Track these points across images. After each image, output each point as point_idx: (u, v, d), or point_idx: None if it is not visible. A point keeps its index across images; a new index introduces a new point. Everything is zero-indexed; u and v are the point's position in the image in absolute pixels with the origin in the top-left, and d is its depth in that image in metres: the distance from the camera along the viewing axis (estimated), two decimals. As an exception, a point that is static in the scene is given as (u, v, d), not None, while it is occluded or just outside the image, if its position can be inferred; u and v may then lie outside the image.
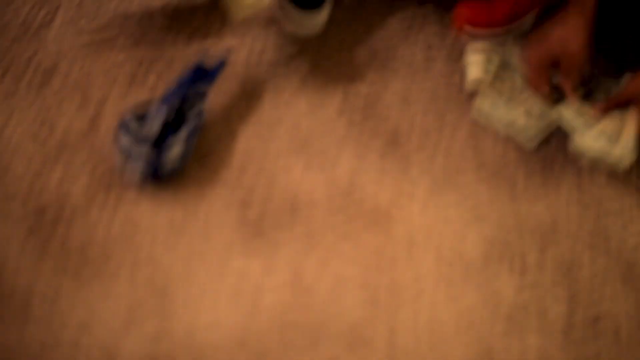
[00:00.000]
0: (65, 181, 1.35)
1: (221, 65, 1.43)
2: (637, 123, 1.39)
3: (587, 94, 1.44)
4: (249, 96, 1.46)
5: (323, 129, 1.43)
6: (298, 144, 1.41)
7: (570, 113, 1.41)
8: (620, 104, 1.39)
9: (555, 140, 1.46)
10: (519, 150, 1.44)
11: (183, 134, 1.34)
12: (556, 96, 1.43)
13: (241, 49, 1.53)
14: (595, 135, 1.38)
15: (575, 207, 1.38)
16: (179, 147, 1.34)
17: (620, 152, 1.36)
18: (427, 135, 1.44)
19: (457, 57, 1.55)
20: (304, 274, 1.28)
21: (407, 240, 1.32)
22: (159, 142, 1.33)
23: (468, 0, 1.58)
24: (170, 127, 1.35)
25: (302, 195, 1.35)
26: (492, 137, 1.45)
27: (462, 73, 1.52)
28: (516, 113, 1.43)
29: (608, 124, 1.40)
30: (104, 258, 1.27)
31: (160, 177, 1.35)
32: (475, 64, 1.51)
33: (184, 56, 1.51)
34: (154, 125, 1.33)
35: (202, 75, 1.42)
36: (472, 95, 1.50)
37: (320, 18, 1.56)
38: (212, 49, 1.52)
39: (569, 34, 1.35)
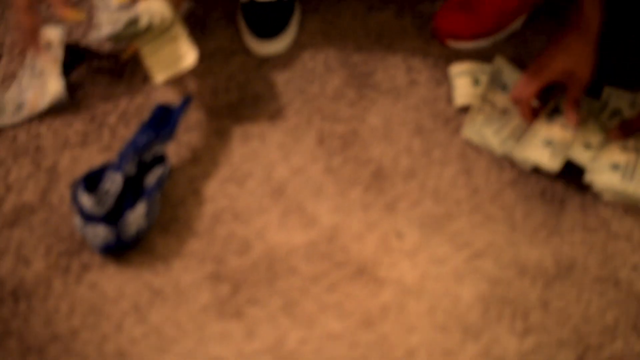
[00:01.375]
0: (22, 257, 1.26)
1: (186, 103, 1.32)
2: None
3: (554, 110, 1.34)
4: (213, 147, 1.35)
5: (298, 178, 1.32)
6: (271, 198, 1.30)
7: (576, 146, 1.30)
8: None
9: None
10: (516, 183, 1.33)
11: (141, 208, 1.23)
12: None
13: (203, 90, 1.40)
14: (609, 169, 1.26)
15: (579, 247, 1.26)
16: (139, 219, 1.23)
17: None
18: (413, 175, 1.32)
19: (441, 78, 1.42)
20: (286, 339, 1.19)
21: (396, 300, 1.23)
22: (116, 215, 1.23)
23: (448, 11, 1.44)
24: (128, 192, 1.25)
25: (279, 261, 1.25)
26: (484, 168, 1.33)
27: (447, 97, 1.40)
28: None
29: (619, 153, 1.27)
30: (70, 333, 1.19)
31: (122, 249, 1.25)
32: (462, 86, 1.38)
33: (140, 106, 1.38)
34: (107, 200, 1.22)
35: (164, 118, 1.30)
36: (461, 119, 1.40)
37: (282, 44, 1.45)
38: (169, 93, 1.41)
39: (574, 63, 1.28)
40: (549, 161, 1.29)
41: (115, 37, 1.28)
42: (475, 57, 1.45)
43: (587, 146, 1.30)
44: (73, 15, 1.27)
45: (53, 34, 1.41)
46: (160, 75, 1.30)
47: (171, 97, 1.39)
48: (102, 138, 1.36)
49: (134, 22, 1.26)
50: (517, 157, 1.31)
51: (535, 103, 1.32)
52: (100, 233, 1.22)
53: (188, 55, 1.29)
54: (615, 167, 1.27)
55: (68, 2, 1.26)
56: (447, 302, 1.23)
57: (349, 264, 1.25)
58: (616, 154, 1.28)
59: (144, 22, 1.27)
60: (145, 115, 1.37)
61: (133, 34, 1.27)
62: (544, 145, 1.30)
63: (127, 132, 1.36)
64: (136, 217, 1.23)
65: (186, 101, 1.32)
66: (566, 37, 1.29)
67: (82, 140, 1.36)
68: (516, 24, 1.47)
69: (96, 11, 1.30)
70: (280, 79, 1.43)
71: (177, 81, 1.41)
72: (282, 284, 1.23)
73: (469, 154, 1.35)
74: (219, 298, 1.22)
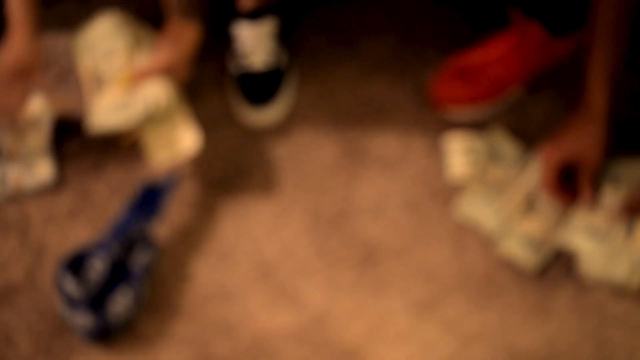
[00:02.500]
0: (7, 338, 1.26)
1: (173, 183, 1.32)
2: None
3: None
4: (203, 224, 1.34)
5: (288, 258, 1.32)
6: (260, 279, 1.30)
7: (581, 234, 1.29)
8: None
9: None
10: (509, 263, 1.32)
11: (128, 296, 1.23)
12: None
13: (194, 163, 1.40)
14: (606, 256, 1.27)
15: (574, 332, 1.25)
16: (126, 307, 1.23)
17: (629, 268, 1.26)
18: (406, 254, 1.32)
19: (436, 151, 1.41)
20: None
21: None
22: (102, 301, 1.23)
23: (445, 78, 1.42)
24: (114, 277, 1.25)
25: (266, 347, 1.25)
26: (477, 247, 1.32)
27: (442, 171, 1.39)
28: (515, 236, 1.31)
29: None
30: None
31: (108, 336, 1.25)
32: (457, 162, 1.37)
33: (131, 180, 1.38)
34: (92, 285, 1.23)
35: (151, 198, 1.29)
36: (456, 194, 1.38)
37: (275, 113, 1.43)
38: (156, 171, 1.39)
39: (585, 145, 1.29)
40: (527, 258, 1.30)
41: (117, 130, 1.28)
42: (472, 127, 1.44)
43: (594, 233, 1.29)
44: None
45: (41, 107, 1.40)
46: (160, 160, 1.30)
47: (163, 172, 1.38)
48: (92, 214, 1.37)
49: (137, 115, 1.25)
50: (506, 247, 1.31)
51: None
52: (83, 321, 1.22)
53: (190, 140, 1.29)
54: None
55: None
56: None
57: (338, 351, 1.24)
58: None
59: (147, 111, 1.26)
60: (134, 189, 1.36)
61: (136, 124, 1.27)
62: (524, 242, 1.30)
63: (114, 208, 1.36)
64: (121, 305, 1.23)
65: (174, 181, 1.31)
66: (574, 119, 1.29)
67: (70, 216, 1.36)
68: (516, 95, 1.45)
69: (90, 97, 1.30)
70: (273, 152, 1.42)
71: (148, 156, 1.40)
72: (270, 371, 1.23)
73: (461, 232, 1.34)
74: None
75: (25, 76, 1.28)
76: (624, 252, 1.26)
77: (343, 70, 1.51)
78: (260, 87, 1.42)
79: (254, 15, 1.41)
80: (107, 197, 1.38)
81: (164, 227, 1.34)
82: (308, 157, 1.41)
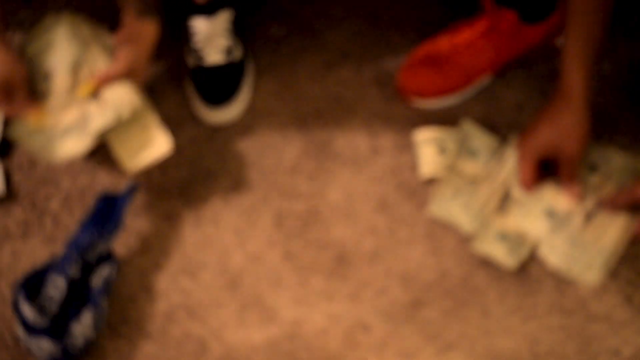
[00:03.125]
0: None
1: (131, 190, 1.25)
2: (621, 233, 1.23)
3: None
4: (164, 233, 1.29)
5: (255, 267, 1.27)
6: (228, 291, 1.25)
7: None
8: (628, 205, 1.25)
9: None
10: (487, 262, 1.28)
11: (88, 318, 1.17)
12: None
13: (150, 167, 1.33)
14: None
15: (557, 332, 1.22)
16: (86, 329, 1.18)
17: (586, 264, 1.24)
18: (378, 258, 1.27)
19: (405, 143, 1.36)
20: None
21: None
22: (61, 323, 1.18)
23: (412, 67, 1.37)
24: (73, 297, 1.20)
25: (238, 364, 1.19)
26: (453, 247, 1.28)
27: (412, 166, 1.34)
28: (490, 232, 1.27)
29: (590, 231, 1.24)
30: None
31: (71, 359, 1.19)
32: (427, 156, 1.32)
33: (84, 188, 1.32)
34: (51, 308, 1.18)
35: (109, 209, 1.23)
36: (428, 192, 1.34)
37: (234, 111, 1.39)
38: (114, 172, 1.34)
39: (563, 135, 1.22)
40: (504, 257, 1.26)
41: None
42: (442, 117, 1.39)
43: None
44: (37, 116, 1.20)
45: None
46: (132, 165, 1.25)
47: (117, 177, 1.33)
48: (45, 227, 1.30)
49: (107, 124, 1.21)
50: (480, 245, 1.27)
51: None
52: (44, 346, 1.17)
53: (161, 142, 1.24)
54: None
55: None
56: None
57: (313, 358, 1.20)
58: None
59: (117, 118, 1.22)
60: (91, 199, 1.29)
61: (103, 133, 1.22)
62: (500, 239, 1.25)
63: (71, 220, 1.30)
64: (83, 327, 1.18)
65: (132, 189, 1.25)
66: (550, 108, 1.23)
67: (22, 231, 1.30)
68: (485, 80, 1.40)
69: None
70: (234, 151, 1.36)
71: (119, 160, 1.33)
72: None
73: (436, 231, 1.30)
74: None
75: (11, 95, 1.20)
76: (579, 245, 1.22)
77: (305, 60, 1.45)
78: (217, 85, 1.36)
79: (208, 8, 1.34)
80: (62, 208, 1.31)
81: (123, 239, 1.28)
82: (273, 156, 1.36)
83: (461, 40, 1.37)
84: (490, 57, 1.37)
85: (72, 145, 1.22)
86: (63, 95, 1.23)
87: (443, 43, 1.38)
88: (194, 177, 1.34)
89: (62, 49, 1.24)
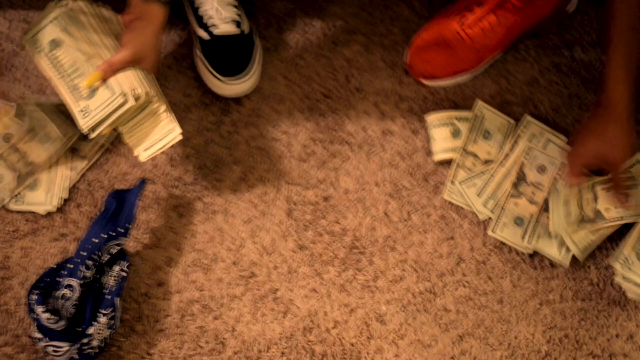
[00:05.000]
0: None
1: (140, 186, 1.28)
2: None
3: None
4: (174, 227, 1.31)
5: (268, 259, 1.30)
6: (241, 285, 1.28)
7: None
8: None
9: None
10: (502, 248, 1.32)
11: (103, 319, 1.21)
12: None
13: (157, 157, 1.37)
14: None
15: (572, 318, 1.26)
16: (102, 330, 1.22)
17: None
18: (392, 246, 1.30)
19: (417, 125, 1.39)
20: None
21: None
22: (77, 323, 1.23)
23: (422, 48, 1.38)
24: (88, 297, 1.24)
25: (255, 355, 1.25)
26: (468, 233, 1.31)
27: (425, 148, 1.36)
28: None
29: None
30: None
31: (88, 357, 1.23)
32: (440, 139, 1.34)
33: (92, 182, 1.34)
34: (66, 310, 1.22)
35: (119, 206, 1.26)
36: (441, 176, 1.37)
37: (249, 83, 1.39)
38: (122, 164, 1.37)
39: (605, 146, 1.24)
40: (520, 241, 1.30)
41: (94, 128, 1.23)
42: (454, 96, 1.40)
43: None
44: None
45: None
46: (145, 152, 1.26)
47: (125, 168, 1.36)
48: (54, 223, 1.32)
49: (116, 109, 1.21)
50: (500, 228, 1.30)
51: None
52: (62, 350, 1.20)
53: (172, 129, 1.25)
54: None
55: None
56: (435, 394, 1.23)
57: (330, 357, 1.25)
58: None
59: (124, 105, 1.21)
60: (99, 194, 1.32)
61: (112, 121, 1.23)
62: (515, 223, 1.29)
63: (80, 216, 1.31)
64: (98, 327, 1.21)
65: (141, 185, 1.28)
66: (595, 119, 1.25)
67: (32, 229, 1.32)
68: (497, 55, 1.41)
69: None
70: (242, 137, 1.38)
71: (127, 148, 1.36)
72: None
73: (450, 216, 1.33)
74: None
75: None
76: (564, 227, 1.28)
77: (311, 39, 1.45)
78: (230, 55, 1.37)
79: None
80: (71, 202, 1.33)
81: (135, 234, 1.31)
82: (282, 143, 1.38)
83: (471, 20, 1.37)
84: (500, 34, 1.37)
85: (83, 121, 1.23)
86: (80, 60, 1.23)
87: (452, 23, 1.38)
88: (203, 167, 1.35)
89: (63, 21, 1.24)
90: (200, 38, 1.39)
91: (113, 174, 1.34)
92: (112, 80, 1.22)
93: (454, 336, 1.26)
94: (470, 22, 1.37)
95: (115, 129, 1.26)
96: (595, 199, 1.27)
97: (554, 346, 1.25)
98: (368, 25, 1.47)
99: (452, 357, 1.25)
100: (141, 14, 1.24)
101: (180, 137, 1.24)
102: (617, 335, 1.27)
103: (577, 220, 1.26)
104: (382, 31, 1.46)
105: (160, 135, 1.25)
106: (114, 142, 1.35)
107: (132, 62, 1.23)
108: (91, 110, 1.22)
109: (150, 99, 1.24)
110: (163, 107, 1.25)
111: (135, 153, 1.25)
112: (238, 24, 1.38)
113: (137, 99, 1.21)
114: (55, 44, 1.25)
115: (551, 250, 1.28)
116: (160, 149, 1.25)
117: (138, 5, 1.24)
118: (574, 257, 1.28)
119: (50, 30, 1.26)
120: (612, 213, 1.27)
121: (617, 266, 1.25)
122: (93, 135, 1.22)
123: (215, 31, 1.37)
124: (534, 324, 1.27)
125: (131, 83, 1.21)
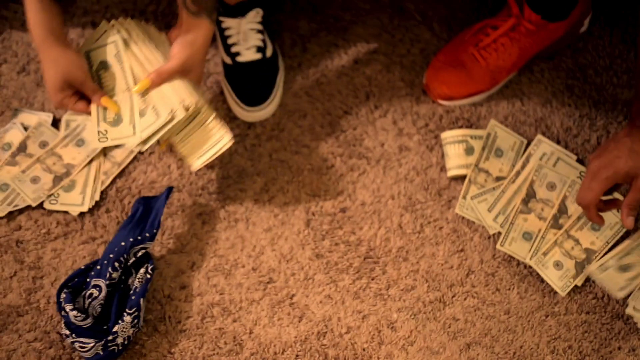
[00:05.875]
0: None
1: (167, 194, 1.37)
2: None
3: None
4: (198, 233, 1.40)
5: (286, 266, 1.38)
6: (260, 290, 1.36)
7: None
8: None
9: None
10: (510, 261, 1.39)
11: (128, 318, 1.29)
12: None
13: (183, 167, 1.46)
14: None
15: (576, 329, 1.33)
16: (127, 328, 1.30)
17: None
18: (405, 257, 1.38)
19: (432, 142, 1.47)
20: None
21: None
22: (103, 321, 1.32)
23: (439, 69, 1.46)
24: (114, 296, 1.33)
25: (271, 357, 1.33)
26: (478, 246, 1.38)
27: (439, 164, 1.44)
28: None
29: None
30: None
31: (112, 358, 1.32)
32: (454, 155, 1.42)
33: (120, 189, 1.43)
34: (93, 309, 1.31)
35: (146, 212, 1.35)
36: (454, 192, 1.44)
37: (270, 109, 1.49)
38: (149, 172, 1.46)
39: (638, 165, 1.23)
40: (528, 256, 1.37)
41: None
42: (469, 115, 1.48)
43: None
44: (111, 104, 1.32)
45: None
46: (197, 161, 1.35)
47: (152, 176, 1.45)
48: (84, 227, 1.41)
49: (166, 123, 1.30)
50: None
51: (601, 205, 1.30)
52: (88, 345, 1.28)
53: (222, 136, 1.33)
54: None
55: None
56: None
57: (344, 358, 1.31)
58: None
59: (180, 115, 1.30)
60: (127, 200, 1.41)
61: (163, 133, 1.31)
62: (524, 239, 1.36)
63: (109, 220, 1.40)
64: (123, 326, 1.29)
65: (168, 192, 1.36)
66: (629, 136, 1.25)
67: (63, 231, 1.41)
68: (511, 76, 1.49)
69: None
70: (265, 150, 1.46)
71: (155, 157, 1.44)
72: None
73: (462, 230, 1.40)
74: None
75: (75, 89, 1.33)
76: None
77: (333, 58, 1.54)
78: (252, 85, 1.46)
79: (238, 9, 1.43)
80: (100, 207, 1.42)
81: (160, 239, 1.40)
82: (303, 155, 1.46)
83: (485, 42, 1.45)
84: (514, 56, 1.45)
85: (125, 131, 1.31)
86: (121, 88, 1.33)
87: (468, 46, 1.46)
88: (226, 177, 1.44)
89: (117, 47, 1.34)
90: (224, 62, 1.48)
91: (140, 181, 1.43)
92: (160, 89, 1.31)
93: (462, 344, 1.33)
94: (485, 45, 1.45)
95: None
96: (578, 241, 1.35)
97: (558, 356, 1.32)
98: (389, 46, 1.55)
99: (460, 365, 1.31)
100: (191, 28, 1.33)
101: (231, 143, 1.32)
102: (619, 348, 1.32)
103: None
104: (402, 52, 1.54)
105: (211, 142, 1.34)
106: (142, 151, 1.44)
107: (180, 73, 1.32)
108: (108, 137, 1.31)
109: (199, 109, 1.32)
110: (212, 116, 1.33)
111: (188, 162, 1.34)
112: (261, 51, 1.47)
113: (186, 109, 1.29)
114: (103, 65, 1.35)
115: (552, 276, 1.35)
116: (212, 156, 1.33)
117: (188, 21, 1.33)
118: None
119: (103, 52, 1.35)
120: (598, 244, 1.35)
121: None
122: (144, 148, 1.31)
123: (238, 58, 1.46)
124: (539, 335, 1.33)
125: (180, 94, 1.30)
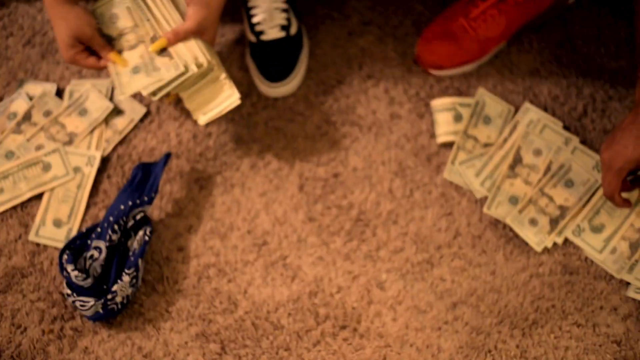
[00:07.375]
0: (17, 324, 1.41)
1: (165, 160, 1.45)
2: None
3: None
4: (195, 198, 1.47)
5: (280, 229, 1.45)
6: (254, 252, 1.43)
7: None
8: None
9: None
10: (497, 224, 1.46)
11: (126, 278, 1.37)
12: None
13: (182, 135, 1.53)
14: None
15: (559, 290, 1.39)
16: (125, 288, 1.37)
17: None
18: (395, 220, 1.45)
19: (423, 110, 1.54)
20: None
21: (379, 355, 1.37)
22: (104, 282, 1.39)
23: (429, 40, 1.53)
24: (114, 258, 1.40)
25: (264, 318, 1.39)
26: (466, 210, 1.45)
27: (429, 131, 1.51)
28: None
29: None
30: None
31: (111, 316, 1.40)
32: (443, 122, 1.49)
33: (120, 156, 1.51)
34: (93, 270, 1.37)
35: (145, 177, 1.43)
36: (443, 157, 1.51)
37: (293, 86, 1.56)
38: (149, 139, 1.53)
39: None
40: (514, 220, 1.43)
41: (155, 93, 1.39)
42: (459, 84, 1.54)
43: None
44: (119, 59, 1.39)
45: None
46: (204, 116, 1.41)
47: (152, 144, 1.52)
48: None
49: (178, 76, 1.36)
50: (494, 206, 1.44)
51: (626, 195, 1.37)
52: (88, 304, 1.36)
53: (230, 94, 1.40)
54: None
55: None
56: (428, 355, 1.37)
57: (332, 319, 1.39)
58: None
59: (186, 73, 1.36)
60: (128, 166, 1.49)
61: (174, 86, 1.38)
62: (510, 203, 1.42)
63: (110, 186, 1.48)
64: (122, 286, 1.37)
65: (166, 158, 1.44)
66: (634, 123, 1.29)
67: (66, 196, 1.49)
68: (500, 46, 1.55)
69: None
70: (260, 118, 1.54)
71: (155, 125, 1.52)
72: (268, 342, 1.38)
73: (450, 194, 1.47)
74: (210, 355, 1.37)
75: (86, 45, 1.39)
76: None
77: (329, 29, 1.61)
78: (276, 62, 1.53)
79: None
80: (101, 174, 1.50)
81: (159, 203, 1.48)
82: (297, 123, 1.53)
83: (475, 13, 1.52)
84: (503, 27, 1.52)
85: (139, 82, 1.38)
86: (132, 41, 1.40)
87: (458, 17, 1.53)
88: (224, 144, 1.52)
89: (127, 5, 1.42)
90: (249, 41, 1.56)
91: (140, 148, 1.51)
92: (175, 47, 1.37)
93: (448, 303, 1.40)
94: (474, 16, 1.52)
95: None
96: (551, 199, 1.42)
97: (541, 315, 1.38)
98: (382, 18, 1.62)
99: (446, 322, 1.38)
100: None
101: (238, 102, 1.39)
102: (601, 307, 1.39)
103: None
104: (395, 23, 1.61)
105: (220, 99, 1.41)
106: (142, 119, 1.52)
107: (195, 33, 1.39)
108: (125, 91, 1.38)
109: (211, 67, 1.39)
110: (223, 75, 1.40)
111: (195, 117, 1.41)
112: (285, 27, 1.54)
113: (199, 66, 1.36)
114: (120, 17, 1.42)
115: (528, 233, 1.42)
116: (219, 112, 1.40)
117: None
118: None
119: (112, 5, 1.43)
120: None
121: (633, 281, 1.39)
122: (155, 98, 1.38)
123: (263, 37, 1.54)
124: (523, 294, 1.40)
125: (194, 52, 1.37)
